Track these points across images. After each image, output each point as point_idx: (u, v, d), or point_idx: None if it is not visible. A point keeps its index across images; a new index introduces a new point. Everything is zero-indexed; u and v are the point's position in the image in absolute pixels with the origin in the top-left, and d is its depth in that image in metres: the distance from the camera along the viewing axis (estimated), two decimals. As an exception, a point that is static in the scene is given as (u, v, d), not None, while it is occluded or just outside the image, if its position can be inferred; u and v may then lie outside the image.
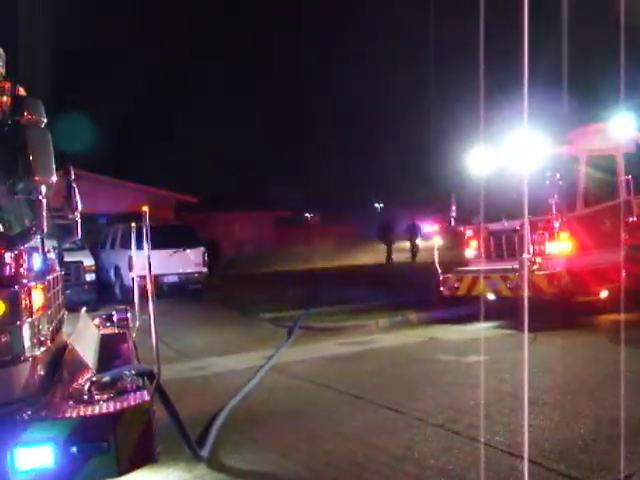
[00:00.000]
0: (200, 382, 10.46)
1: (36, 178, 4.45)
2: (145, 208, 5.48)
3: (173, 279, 22.32)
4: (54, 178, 4.63)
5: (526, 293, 12.14)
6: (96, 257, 21.78)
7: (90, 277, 20.02)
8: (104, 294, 21.37)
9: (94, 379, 4.86)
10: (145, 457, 4.50)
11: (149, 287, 5.48)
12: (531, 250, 13.23)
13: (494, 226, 14.62)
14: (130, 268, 19.36)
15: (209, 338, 14.63)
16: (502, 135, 13.62)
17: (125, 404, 4.54)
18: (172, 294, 21.58)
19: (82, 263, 19.52)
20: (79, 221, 6.70)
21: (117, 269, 22.67)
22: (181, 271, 22.58)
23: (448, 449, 6.33)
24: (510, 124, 13.06)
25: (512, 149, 13.33)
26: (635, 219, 13.93)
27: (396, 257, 35.27)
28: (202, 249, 23.36)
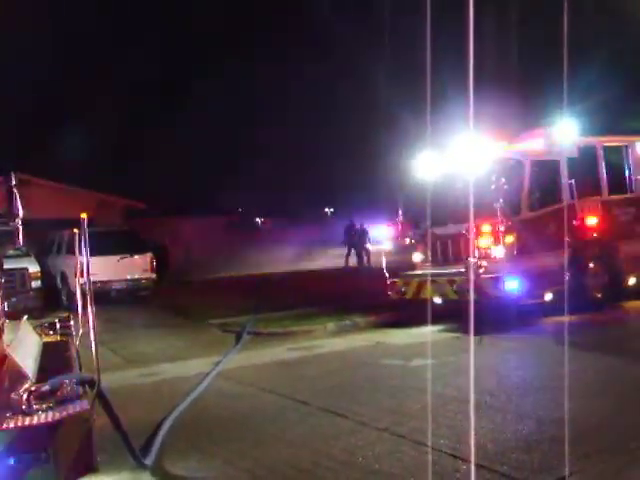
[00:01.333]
0: (148, 389, 10.39)
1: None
2: (84, 215, 5.42)
3: (121, 285, 22.14)
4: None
5: (472, 296, 12.25)
6: (42, 264, 21.47)
7: (36, 284, 19.75)
8: (51, 301, 21.10)
9: (33, 388, 4.78)
10: (85, 467, 4.43)
11: (89, 293, 5.41)
12: (477, 254, 13.35)
13: (441, 230, 14.75)
14: (75, 274, 19.13)
15: (157, 344, 14.53)
16: (448, 139, 13.75)
17: (64, 413, 4.46)
18: (120, 300, 21.41)
19: (27, 270, 19.24)
20: (20, 228, 6.60)
21: (63, 275, 22.39)
22: (129, 277, 22.39)
23: (393, 453, 6.36)
24: (455, 128, 13.20)
25: (457, 153, 13.48)
26: (578, 222, 14.20)
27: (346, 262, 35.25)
28: (149, 255, 23.21)
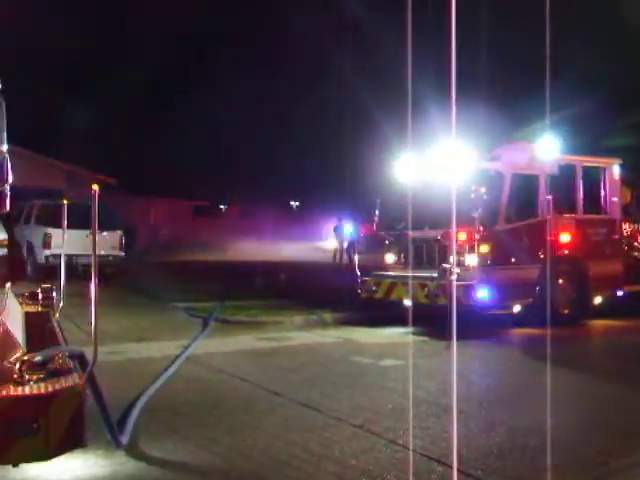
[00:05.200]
0: (114, 367, 10.27)
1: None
2: (95, 187, 5.37)
3: (88, 260, 21.86)
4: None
5: (451, 301, 12.27)
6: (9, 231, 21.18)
7: (2, 252, 19.50)
8: (15, 270, 20.85)
9: (25, 358, 4.74)
10: (75, 441, 4.40)
11: (94, 268, 5.33)
12: (451, 260, 13.44)
13: (416, 234, 14.79)
14: (48, 245, 18.97)
15: (123, 323, 14.43)
16: (430, 145, 13.76)
17: (57, 386, 4.44)
18: (86, 276, 21.18)
19: (-7, 236, 19.00)
20: (8, 194, 6.53)
21: (30, 245, 22.15)
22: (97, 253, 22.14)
23: (368, 450, 6.42)
24: (439, 135, 13.23)
25: (439, 159, 13.52)
26: (551, 238, 14.38)
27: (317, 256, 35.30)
28: (119, 232, 23.05)
